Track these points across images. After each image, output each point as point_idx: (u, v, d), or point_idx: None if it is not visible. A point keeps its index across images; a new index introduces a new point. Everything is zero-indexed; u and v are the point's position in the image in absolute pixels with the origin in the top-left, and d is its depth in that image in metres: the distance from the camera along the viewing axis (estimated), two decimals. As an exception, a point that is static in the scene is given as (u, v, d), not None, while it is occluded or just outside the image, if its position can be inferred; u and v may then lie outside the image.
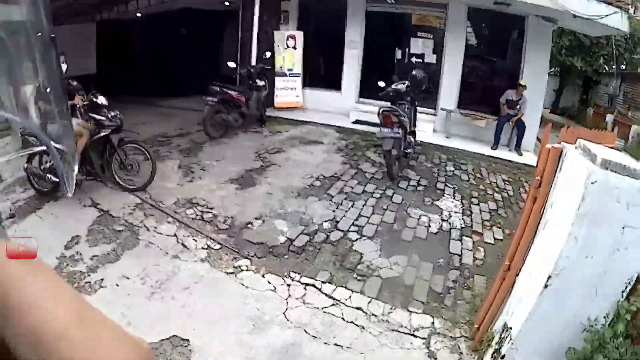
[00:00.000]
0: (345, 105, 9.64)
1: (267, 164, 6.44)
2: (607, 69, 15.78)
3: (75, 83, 5.28)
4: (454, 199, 6.00)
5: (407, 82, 6.93)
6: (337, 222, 4.92)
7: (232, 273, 3.95)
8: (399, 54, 9.79)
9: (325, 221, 4.91)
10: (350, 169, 6.53)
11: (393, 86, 6.94)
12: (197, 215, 4.90)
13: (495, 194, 6.46)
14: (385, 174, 6.35)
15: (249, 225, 4.73)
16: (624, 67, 15.22)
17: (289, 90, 9.46)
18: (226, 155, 6.72)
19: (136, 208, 4.98)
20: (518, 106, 8.52)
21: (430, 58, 9.49)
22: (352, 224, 4.89)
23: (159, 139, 7.39)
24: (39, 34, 0.66)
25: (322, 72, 10.33)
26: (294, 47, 9.37)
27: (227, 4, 10.39)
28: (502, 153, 8.49)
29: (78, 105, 5.06)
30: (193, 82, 9.72)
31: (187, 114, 8.66)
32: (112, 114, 5.09)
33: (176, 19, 11.07)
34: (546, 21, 8.52)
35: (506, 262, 2.85)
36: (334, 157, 6.97)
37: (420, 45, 9.50)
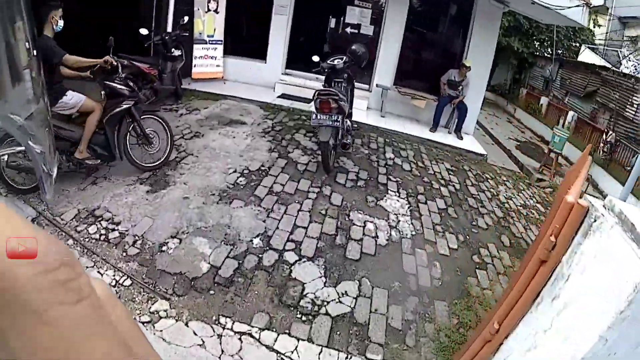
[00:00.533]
0: (270, 76, 8.62)
1: (182, 154, 5.32)
2: (543, 52, 16.08)
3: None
4: (399, 196, 5.39)
5: (345, 57, 6.06)
6: (270, 237, 4.04)
7: (148, 322, 2.96)
8: (332, 22, 8.91)
9: (255, 236, 4.01)
10: (279, 159, 5.63)
11: (329, 62, 6.07)
12: (102, 234, 3.79)
13: (442, 188, 5.96)
14: (319, 165, 5.57)
15: (164, 248, 3.69)
16: (560, 52, 15.60)
17: (208, 60, 8.17)
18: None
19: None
20: (460, 87, 8.16)
21: (367, 29, 8.71)
22: (288, 239, 4.05)
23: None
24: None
25: (246, 39, 9.06)
26: (216, 11, 8.02)
27: None
28: (442, 136, 8.12)
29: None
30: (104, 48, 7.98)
31: (91, 86, 7.09)
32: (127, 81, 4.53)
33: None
34: (498, 2, 8.09)
35: (495, 325, 2.23)
36: (260, 143, 6.01)
37: (357, 15, 8.65)
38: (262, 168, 5.29)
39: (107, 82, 4.41)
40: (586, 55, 15.46)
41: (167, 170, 4.91)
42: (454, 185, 6.19)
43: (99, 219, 3.97)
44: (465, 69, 8.01)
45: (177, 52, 6.80)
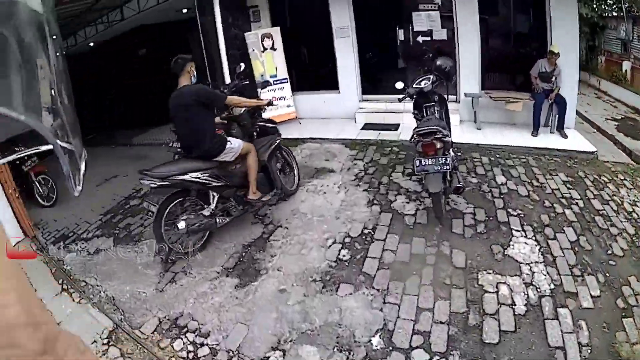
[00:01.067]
0: (348, 106, 7.70)
1: (269, 227, 4.56)
2: (613, 12, 13.77)
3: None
4: (525, 236, 4.18)
5: (431, 76, 5.01)
6: (391, 331, 3.10)
7: None
8: (401, 34, 7.81)
9: (374, 334, 3.09)
10: (382, 214, 4.66)
11: (415, 85, 5.04)
12: (189, 350, 3.13)
13: (566, 211, 4.65)
14: (429, 212, 4.58)
15: (266, 365, 2.88)
16: (629, 7, 13.20)
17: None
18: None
19: (109, 341, 3.26)
20: (554, 78, 6.73)
21: (440, 33, 7.49)
22: (413, 331, 3.09)
23: (131, 200, 5.56)
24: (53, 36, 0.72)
25: (312, 71, 8.33)
26: (273, 48, 7.32)
27: (184, 11, 8.28)
28: (545, 139, 6.71)
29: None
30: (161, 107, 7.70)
31: (161, 151, 6.67)
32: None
33: (131, 39, 9.24)
34: None
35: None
36: (356, 195, 5.06)
37: (424, 20, 7.48)
38: (366, 231, 4.35)
39: (260, 123, 4.83)
40: None
41: (256, 252, 4.14)
42: (577, 203, 4.85)
43: (184, 330, 3.33)
44: (554, 57, 6.58)
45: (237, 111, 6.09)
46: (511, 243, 4.07)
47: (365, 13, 7.69)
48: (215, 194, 4.13)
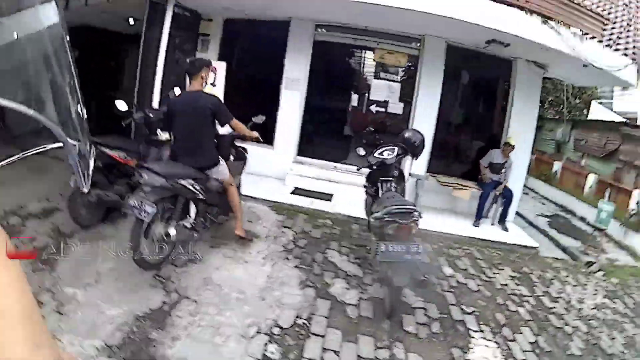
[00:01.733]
0: (280, 166, 6.85)
1: (172, 295, 3.31)
2: (552, 115, 15.10)
3: None
4: (484, 337, 3.63)
5: (396, 148, 4.47)
6: None
7: None
8: (354, 99, 7.31)
9: None
10: (319, 299, 3.68)
11: (376, 154, 4.46)
12: None
13: (519, 309, 4.30)
14: (373, 303, 3.78)
15: None
16: (567, 112, 14.68)
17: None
18: (102, 269, 3.46)
19: None
20: (503, 170, 6.64)
21: (396, 107, 7.17)
22: None
23: (8, 219, 4.00)
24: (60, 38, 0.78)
25: (249, 118, 7.34)
26: (213, 84, 6.33)
27: (131, 22, 7.13)
28: (487, 231, 6.52)
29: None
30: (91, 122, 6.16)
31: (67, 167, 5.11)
32: None
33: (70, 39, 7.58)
34: (538, 67, 6.85)
35: None
36: (285, 271, 4.05)
37: (384, 90, 7.13)
38: (300, 321, 3.32)
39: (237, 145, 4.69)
40: (597, 112, 14.52)
41: (152, 330, 2.89)
42: (527, 301, 4.51)
43: None
44: (509, 148, 6.58)
45: (164, 135, 4.92)
46: (471, 346, 3.46)
47: (322, 69, 7.18)
48: (194, 207, 3.83)
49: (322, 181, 6.68)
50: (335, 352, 3.03)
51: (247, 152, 4.87)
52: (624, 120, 12.42)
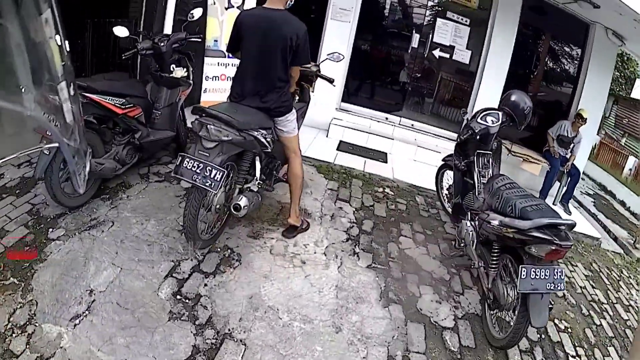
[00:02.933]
0: (320, 113, 5.44)
1: (206, 332, 2.10)
2: None
3: None
4: None
5: (500, 113, 3.31)
6: None
7: None
8: (415, 40, 5.78)
9: None
10: (410, 324, 2.56)
11: (479, 120, 3.24)
12: None
13: (602, 321, 3.45)
14: (471, 324, 2.76)
15: None
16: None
17: (226, 82, 4.91)
18: (98, 283, 2.20)
19: None
20: (572, 145, 5.51)
21: (462, 55, 5.69)
22: None
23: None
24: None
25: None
26: (240, 8, 4.75)
27: None
28: None
29: None
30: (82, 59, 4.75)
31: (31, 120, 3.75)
32: None
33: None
34: (616, 37, 5.51)
35: None
36: (358, 276, 2.84)
37: (450, 33, 5.57)
38: None
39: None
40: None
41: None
42: (606, 310, 3.67)
43: None
44: (581, 122, 5.42)
45: (179, 72, 3.55)
46: None
47: (378, 1, 5.64)
48: (259, 164, 2.76)
49: (372, 136, 5.37)
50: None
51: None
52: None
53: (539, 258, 2.30)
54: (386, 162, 5.02)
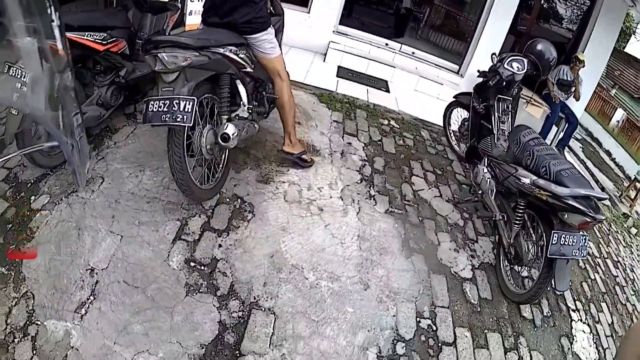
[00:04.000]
0: (316, 36, 4.89)
1: (232, 304, 1.84)
2: None
3: None
4: (581, 320, 2.82)
5: (525, 61, 2.98)
6: None
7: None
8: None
9: None
10: (433, 276, 2.40)
11: (506, 65, 2.91)
12: None
13: (597, 276, 3.44)
14: (487, 274, 2.65)
15: None
16: None
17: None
18: (98, 259, 1.85)
19: None
20: (572, 89, 5.32)
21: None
22: None
23: None
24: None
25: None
26: None
27: None
28: None
29: None
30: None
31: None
32: None
33: None
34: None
35: None
36: (378, 223, 2.60)
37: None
38: (423, 324, 2.12)
39: None
40: (635, 49, 12.46)
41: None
42: (599, 264, 3.63)
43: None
44: (579, 65, 5.17)
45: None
46: (575, 333, 2.66)
47: None
48: (243, 88, 2.32)
49: (372, 62, 4.85)
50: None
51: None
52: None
53: (569, 225, 2.14)
54: (389, 91, 4.59)
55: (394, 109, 4.22)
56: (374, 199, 2.79)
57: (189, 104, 1.78)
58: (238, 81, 2.28)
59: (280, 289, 1.96)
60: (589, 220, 2.07)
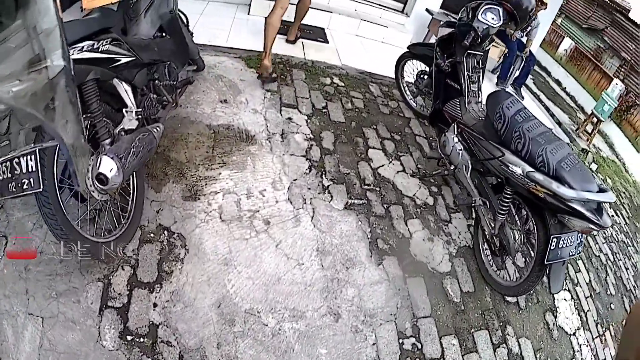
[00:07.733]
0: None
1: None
2: None
3: None
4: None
5: (500, 10, 2.51)
6: None
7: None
8: None
9: None
10: (409, 280, 2.19)
11: (481, 17, 2.47)
12: None
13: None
14: (467, 263, 2.48)
15: None
16: None
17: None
18: (26, 357, 1.38)
19: None
20: (530, 29, 5.13)
21: None
22: None
23: None
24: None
25: None
26: None
27: None
28: None
29: None
30: None
31: None
32: None
33: None
34: None
35: None
36: (339, 227, 2.27)
37: None
38: (406, 344, 1.92)
39: None
40: None
41: None
42: None
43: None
44: (541, 6, 4.86)
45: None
46: (557, 305, 2.69)
47: None
48: (125, 86, 1.78)
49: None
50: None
51: None
52: (615, 3, 10.25)
53: (568, 227, 1.96)
54: (327, 41, 4.07)
55: (336, 63, 3.77)
56: (329, 192, 2.44)
57: (31, 161, 1.27)
58: (116, 80, 1.73)
59: (238, 347, 1.63)
60: (594, 227, 1.86)
